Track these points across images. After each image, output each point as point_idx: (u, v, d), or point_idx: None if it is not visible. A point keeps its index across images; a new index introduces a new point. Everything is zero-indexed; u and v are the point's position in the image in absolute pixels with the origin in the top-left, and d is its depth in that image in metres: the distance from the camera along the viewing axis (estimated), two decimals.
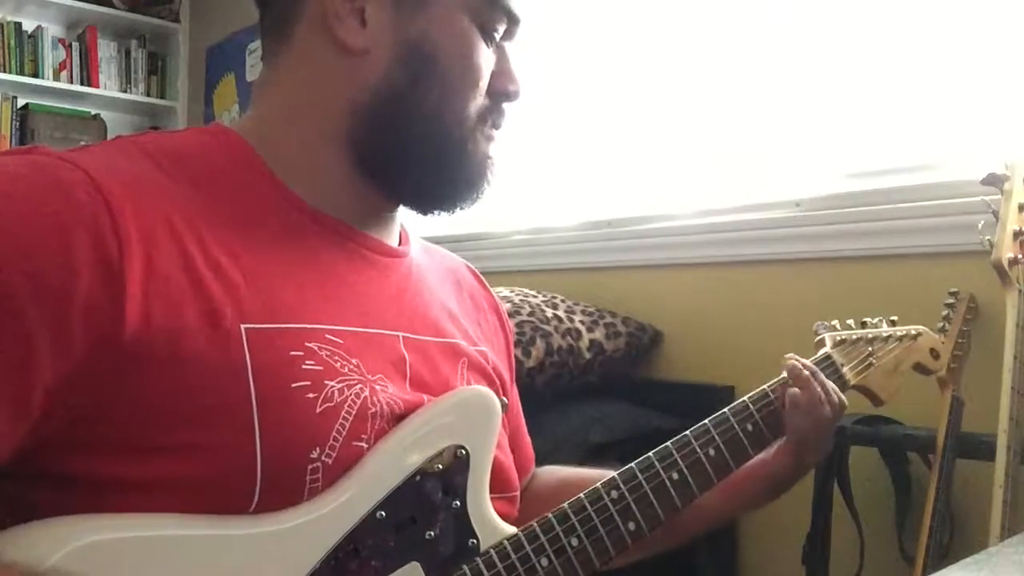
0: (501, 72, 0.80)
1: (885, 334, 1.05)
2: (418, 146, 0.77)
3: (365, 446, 0.69)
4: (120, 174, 0.65)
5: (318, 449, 0.66)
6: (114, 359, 0.60)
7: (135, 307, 0.61)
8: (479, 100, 0.79)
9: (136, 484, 0.61)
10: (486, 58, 0.79)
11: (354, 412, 0.69)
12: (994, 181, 1.22)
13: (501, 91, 0.80)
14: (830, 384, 0.94)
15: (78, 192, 0.61)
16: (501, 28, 0.79)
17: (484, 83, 0.79)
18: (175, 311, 0.62)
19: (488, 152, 0.81)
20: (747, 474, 0.92)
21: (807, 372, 0.93)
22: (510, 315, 1.72)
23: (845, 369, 0.99)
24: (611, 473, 0.82)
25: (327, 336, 0.70)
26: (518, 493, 0.86)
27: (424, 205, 0.82)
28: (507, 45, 0.81)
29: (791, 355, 0.96)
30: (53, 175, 0.62)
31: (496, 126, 0.82)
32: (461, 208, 0.82)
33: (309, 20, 0.76)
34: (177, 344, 0.62)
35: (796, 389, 0.92)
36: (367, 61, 0.76)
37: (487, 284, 1.00)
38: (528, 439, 0.98)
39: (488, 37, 0.78)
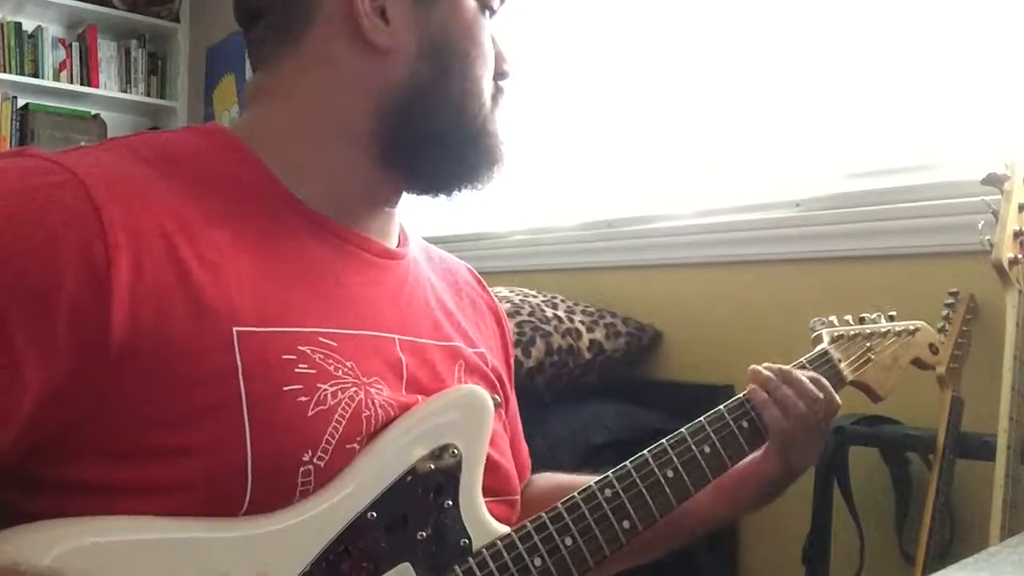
0: (495, 52, 0.82)
1: (883, 329, 1.03)
2: (445, 136, 0.79)
3: (358, 448, 0.68)
4: (109, 176, 0.64)
5: (310, 452, 0.65)
6: (102, 364, 0.60)
7: (122, 311, 0.60)
8: (491, 82, 0.81)
9: (129, 488, 0.61)
10: (490, 37, 0.81)
11: (348, 415, 0.68)
12: (994, 181, 1.22)
13: (499, 71, 0.82)
14: (811, 386, 0.92)
15: (65, 195, 0.61)
16: (497, 3, 0.81)
17: (493, 63, 0.81)
18: (164, 314, 0.62)
19: (500, 131, 0.83)
20: (739, 475, 0.91)
21: (768, 374, 0.92)
22: (510, 315, 1.72)
23: (842, 365, 0.97)
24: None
25: (320, 339, 0.69)
26: (519, 497, 0.86)
27: (448, 189, 0.83)
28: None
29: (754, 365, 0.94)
30: (40, 178, 0.61)
31: (501, 105, 0.83)
32: (482, 187, 0.83)
33: (326, 22, 0.76)
34: (167, 348, 0.61)
35: (764, 394, 0.91)
36: (392, 58, 0.76)
37: (487, 286, 0.99)
38: (525, 445, 0.97)
39: (491, 13, 0.81)
